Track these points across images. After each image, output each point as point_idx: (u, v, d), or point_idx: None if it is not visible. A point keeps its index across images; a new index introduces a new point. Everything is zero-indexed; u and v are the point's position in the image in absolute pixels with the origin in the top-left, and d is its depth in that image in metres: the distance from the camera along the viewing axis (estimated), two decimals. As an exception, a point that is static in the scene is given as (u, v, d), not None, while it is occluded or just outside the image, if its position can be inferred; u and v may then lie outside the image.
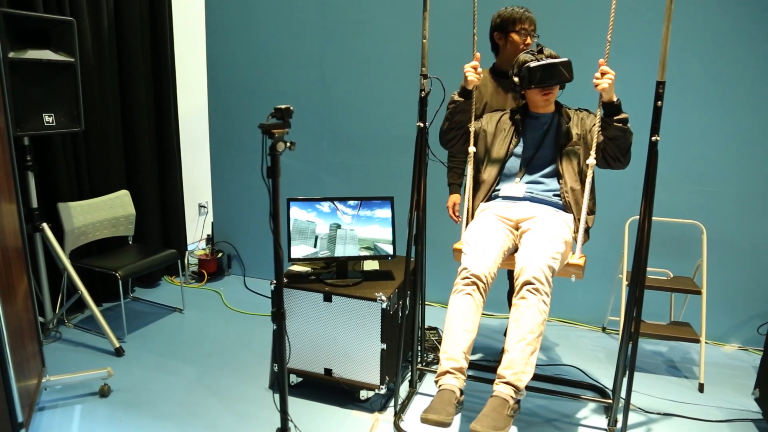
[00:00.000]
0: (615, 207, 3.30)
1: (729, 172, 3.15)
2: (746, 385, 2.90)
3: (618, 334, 3.42)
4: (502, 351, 2.98)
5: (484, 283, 2.06)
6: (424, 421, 1.81)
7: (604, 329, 3.51)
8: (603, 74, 2.05)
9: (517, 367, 1.90)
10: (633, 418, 2.58)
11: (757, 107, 3.04)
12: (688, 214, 3.22)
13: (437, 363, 2.95)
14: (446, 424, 1.80)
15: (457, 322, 2.01)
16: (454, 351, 1.98)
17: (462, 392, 1.95)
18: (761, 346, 3.24)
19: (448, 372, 1.97)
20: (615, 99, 2.10)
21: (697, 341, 2.86)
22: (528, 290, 1.97)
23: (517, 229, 2.30)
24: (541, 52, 2.24)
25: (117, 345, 3.04)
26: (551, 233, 2.11)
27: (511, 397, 1.88)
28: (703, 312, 2.91)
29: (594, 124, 2.24)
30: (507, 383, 1.91)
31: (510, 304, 2.90)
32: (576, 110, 2.38)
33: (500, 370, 1.94)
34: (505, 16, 2.53)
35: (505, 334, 3.04)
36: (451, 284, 3.65)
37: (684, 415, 2.61)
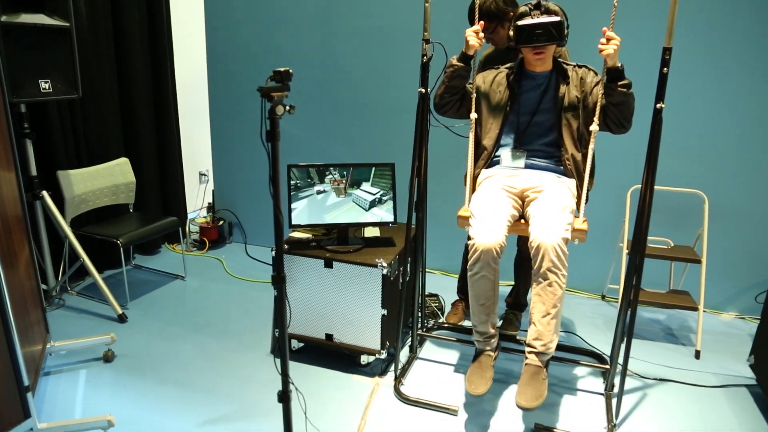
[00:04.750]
0: (617, 176, 3.29)
1: (732, 142, 3.12)
2: (742, 351, 2.93)
3: (617, 302, 3.45)
4: (505, 314, 3.02)
5: (496, 254, 2.12)
6: (471, 391, 2.14)
7: (603, 297, 3.53)
8: (609, 40, 2.02)
9: (546, 338, 2.11)
10: (629, 383, 2.62)
11: (762, 77, 2.99)
12: (689, 183, 3.21)
13: (437, 329, 3.00)
14: (484, 391, 2.14)
15: (480, 301, 2.22)
16: (483, 327, 2.27)
17: (497, 349, 2.32)
18: (758, 315, 3.27)
19: (481, 342, 2.29)
20: (619, 65, 2.07)
21: (696, 309, 2.88)
22: (548, 269, 2.06)
23: (521, 198, 2.30)
24: (538, 7, 2.15)
25: (120, 311, 3.07)
26: (559, 204, 2.13)
27: (543, 363, 2.13)
28: (702, 281, 2.93)
29: (595, 84, 2.20)
30: (538, 353, 2.13)
31: (516, 271, 2.94)
32: (574, 66, 2.30)
33: (530, 341, 2.14)
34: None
35: (506, 301, 3.07)
36: (451, 251, 3.69)
37: (680, 381, 2.65)
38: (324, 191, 2.63)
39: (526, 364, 2.15)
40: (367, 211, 2.66)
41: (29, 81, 2.72)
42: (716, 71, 3.06)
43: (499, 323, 3.04)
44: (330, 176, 2.63)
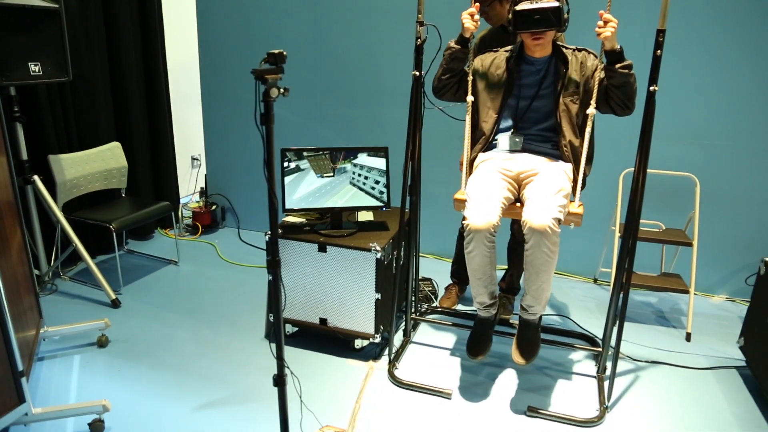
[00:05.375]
0: (610, 159, 3.29)
1: (724, 125, 3.13)
2: (732, 334, 2.97)
3: (609, 285, 3.47)
4: (498, 297, 3.04)
5: (490, 233, 2.14)
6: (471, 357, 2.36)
7: (595, 280, 3.56)
8: (606, 23, 2.01)
9: (538, 303, 2.26)
10: (621, 365, 2.64)
11: (756, 61, 2.99)
12: (681, 166, 3.22)
13: (431, 313, 3.01)
14: (483, 357, 2.37)
15: (476, 276, 2.27)
16: (481, 298, 2.35)
17: (496, 317, 2.42)
18: (748, 297, 3.30)
19: (482, 310, 2.40)
20: (617, 47, 2.06)
21: (687, 292, 2.91)
22: (539, 249, 2.07)
23: (518, 182, 2.30)
24: None
25: (113, 297, 3.06)
26: (555, 186, 2.13)
27: (536, 320, 2.33)
28: (693, 263, 2.95)
29: (596, 69, 2.19)
30: (531, 314, 2.30)
31: (509, 255, 2.95)
32: (574, 51, 2.28)
33: (523, 304, 2.31)
34: None
35: (499, 286, 3.08)
36: (445, 235, 3.70)
37: (671, 363, 2.68)
38: (301, 169, 2.61)
39: (520, 322, 2.33)
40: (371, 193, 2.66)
41: (18, 64, 2.69)
42: (709, 54, 3.06)
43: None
44: (308, 154, 2.62)
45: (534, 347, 2.29)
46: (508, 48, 2.37)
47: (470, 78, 2.32)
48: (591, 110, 2.16)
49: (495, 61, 2.35)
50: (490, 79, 2.35)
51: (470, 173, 2.38)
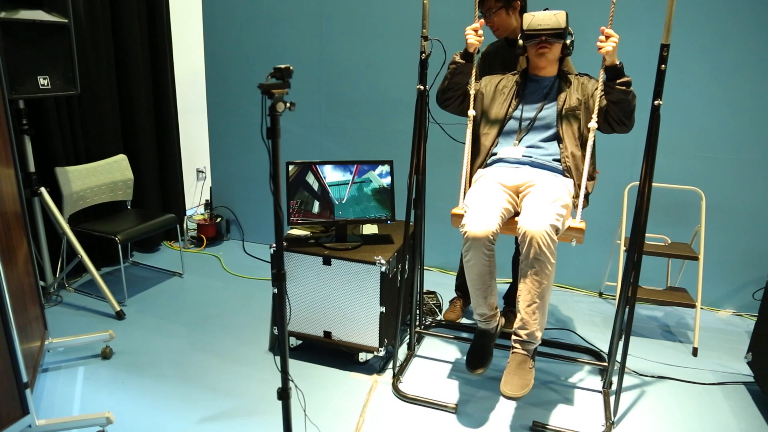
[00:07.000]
0: (614, 173, 3.29)
1: (729, 139, 3.13)
2: (739, 349, 2.94)
3: (614, 299, 3.46)
4: (504, 312, 3.03)
5: (489, 241, 2.10)
6: (470, 372, 2.29)
7: (600, 294, 3.54)
8: (607, 38, 2.03)
9: (531, 327, 2.12)
10: (627, 380, 2.62)
11: (759, 74, 3.00)
12: (687, 180, 3.22)
13: (435, 326, 3.00)
14: (482, 371, 2.29)
15: (475, 286, 2.22)
16: (481, 309, 2.30)
17: (496, 330, 2.36)
18: (755, 312, 3.28)
19: (482, 322, 2.35)
20: (617, 62, 2.08)
21: (693, 306, 2.89)
22: (534, 257, 2.03)
23: (517, 194, 2.30)
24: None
25: (118, 308, 3.07)
26: (552, 196, 2.11)
27: (529, 351, 2.17)
28: (700, 278, 2.94)
29: (596, 89, 2.22)
30: (523, 342, 2.16)
31: (514, 268, 2.94)
32: (576, 75, 2.36)
33: (516, 329, 2.16)
34: None
35: (504, 298, 3.08)
36: (449, 249, 3.70)
37: (677, 378, 2.66)
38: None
39: (512, 353, 2.20)
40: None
41: (28, 77, 2.72)
42: (714, 68, 3.07)
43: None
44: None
45: (526, 380, 2.13)
46: (516, 72, 2.44)
47: (472, 92, 2.35)
48: (593, 124, 2.16)
49: (502, 81, 2.42)
50: (496, 97, 2.39)
51: (469, 188, 2.39)
